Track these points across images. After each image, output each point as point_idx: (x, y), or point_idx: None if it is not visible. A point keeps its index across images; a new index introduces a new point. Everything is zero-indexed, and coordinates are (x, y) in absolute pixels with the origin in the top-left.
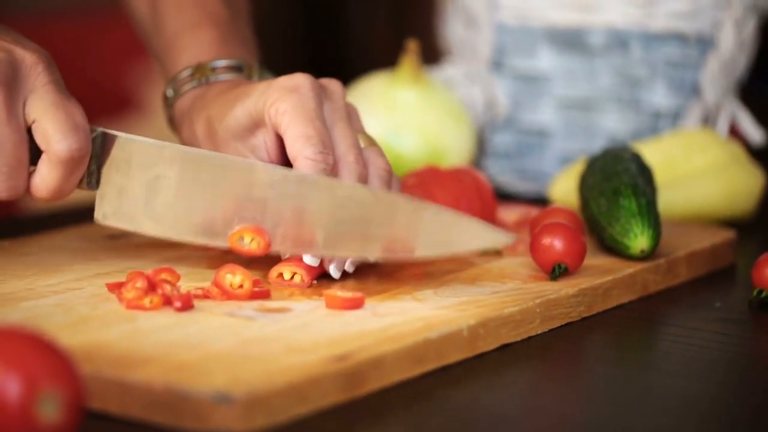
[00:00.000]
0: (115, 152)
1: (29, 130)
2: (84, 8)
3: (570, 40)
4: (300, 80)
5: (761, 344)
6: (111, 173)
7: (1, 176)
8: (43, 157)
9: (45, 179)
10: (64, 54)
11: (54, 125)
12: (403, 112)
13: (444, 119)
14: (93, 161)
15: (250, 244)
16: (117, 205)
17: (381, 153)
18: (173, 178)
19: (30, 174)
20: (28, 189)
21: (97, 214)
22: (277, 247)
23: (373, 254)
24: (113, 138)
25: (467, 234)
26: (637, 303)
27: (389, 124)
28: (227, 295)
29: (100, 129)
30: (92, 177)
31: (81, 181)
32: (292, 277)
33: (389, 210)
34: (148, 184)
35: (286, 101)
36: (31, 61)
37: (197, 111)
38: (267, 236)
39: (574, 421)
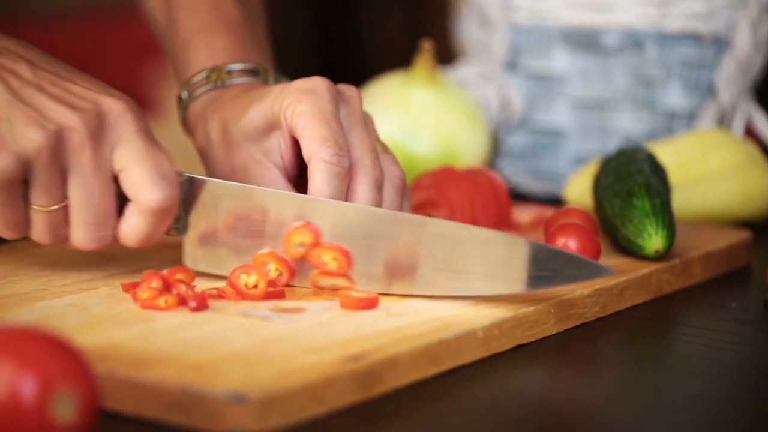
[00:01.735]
0: (203, 197)
1: (116, 179)
2: (97, 9)
3: (585, 41)
4: (317, 83)
5: None
6: (199, 218)
7: (89, 227)
8: (132, 206)
9: (134, 228)
10: (77, 55)
11: (142, 175)
12: (417, 113)
13: (459, 120)
14: (181, 207)
15: (303, 243)
16: (206, 250)
17: (395, 161)
18: (261, 220)
19: (117, 223)
20: (116, 238)
21: (187, 260)
22: (363, 286)
23: (472, 290)
24: (201, 183)
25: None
26: (652, 303)
27: (404, 124)
28: (242, 295)
29: (187, 174)
30: (180, 223)
31: (169, 227)
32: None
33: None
34: (236, 226)
35: (302, 103)
36: (118, 111)
37: (212, 113)
38: (314, 227)
39: (589, 421)
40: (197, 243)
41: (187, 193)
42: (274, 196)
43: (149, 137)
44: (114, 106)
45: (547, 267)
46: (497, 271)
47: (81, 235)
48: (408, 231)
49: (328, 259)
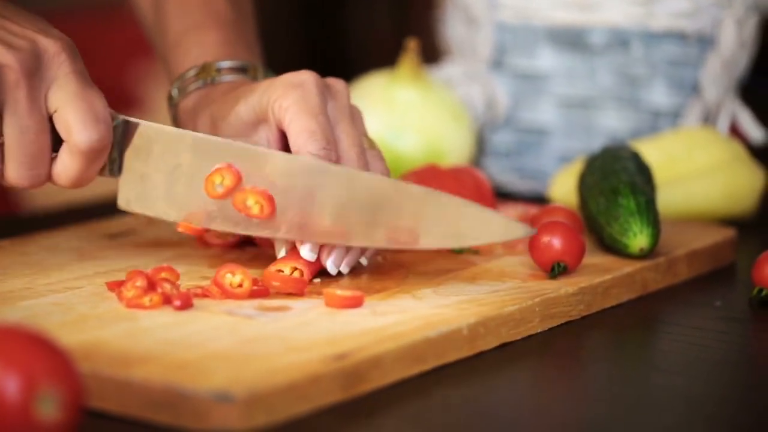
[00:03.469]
0: (137, 140)
1: (51, 119)
2: (87, 7)
3: (570, 39)
4: (305, 77)
5: (762, 343)
6: (133, 160)
7: (23, 165)
8: (64, 146)
9: (66, 168)
10: None
11: (75, 116)
12: (402, 112)
13: (444, 118)
14: (115, 149)
15: (224, 182)
16: (140, 191)
17: (381, 157)
18: (192, 165)
19: (52, 162)
20: (49, 177)
21: (120, 201)
22: (284, 234)
23: (379, 242)
24: (135, 125)
25: (484, 225)
26: (637, 302)
27: (389, 123)
28: (226, 294)
29: (122, 117)
30: (114, 164)
31: (103, 168)
32: (292, 273)
33: (400, 198)
34: (169, 171)
35: (290, 96)
36: (54, 50)
37: (201, 110)
38: (235, 169)
39: (574, 419)
40: (130, 184)
41: (122, 135)
42: (204, 140)
43: (84, 79)
44: (50, 46)
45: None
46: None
47: (15, 172)
48: (340, 183)
49: (252, 203)
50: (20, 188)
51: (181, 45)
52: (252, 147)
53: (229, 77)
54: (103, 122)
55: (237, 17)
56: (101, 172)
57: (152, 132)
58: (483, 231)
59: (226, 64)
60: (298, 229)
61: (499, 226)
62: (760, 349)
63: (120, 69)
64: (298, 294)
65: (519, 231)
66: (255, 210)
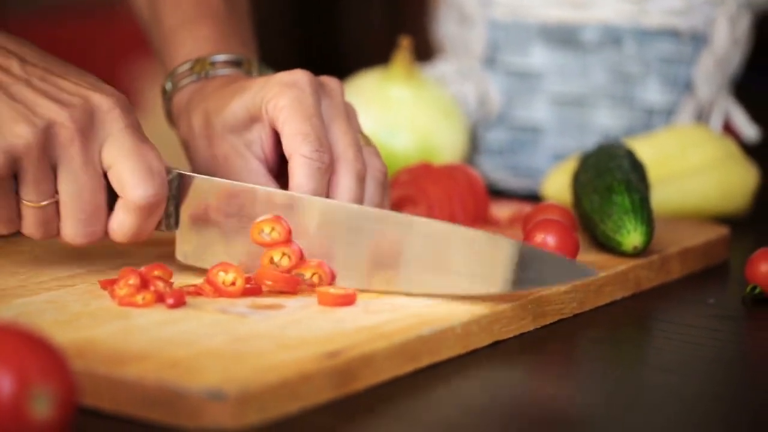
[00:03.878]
0: (192, 192)
1: (106, 176)
2: (80, 5)
3: (563, 37)
4: (299, 76)
5: (755, 340)
6: (189, 212)
7: (79, 223)
8: (120, 202)
9: (123, 224)
10: (60, 51)
11: (130, 172)
12: (396, 109)
13: (437, 116)
14: (170, 202)
15: (271, 234)
16: (197, 244)
17: (377, 154)
18: (252, 216)
19: (107, 218)
20: (106, 233)
21: (178, 255)
22: (345, 283)
23: (454, 289)
24: (190, 179)
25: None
26: (630, 299)
27: (382, 121)
28: (219, 292)
29: (176, 170)
30: (170, 218)
31: (160, 222)
32: (312, 276)
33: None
34: (226, 223)
35: (284, 97)
36: (107, 106)
37: (195, 105)
38: (285, 223)
39: (567, 417)
40: (188, 237)
41: (177, 188)
42: (258, 191)
43: (138, 133)
44: (103, 102)
45: (529, 267)
46: (480, 271)
47: (71, 230)
48: (392, 229)
49: (268, 230)
50: (77, 246)
51: (176, 38)
52: (302, 197)
53: (223, 71)
54: (159, 177)
55: (231, 11)
56: (158, 227)
57: (207, 185)
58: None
59: (220, 57)
60: (360, 277)
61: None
62: (754, 346)
63: (115, 67)
64: (291, 292)
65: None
66: (274, 236)
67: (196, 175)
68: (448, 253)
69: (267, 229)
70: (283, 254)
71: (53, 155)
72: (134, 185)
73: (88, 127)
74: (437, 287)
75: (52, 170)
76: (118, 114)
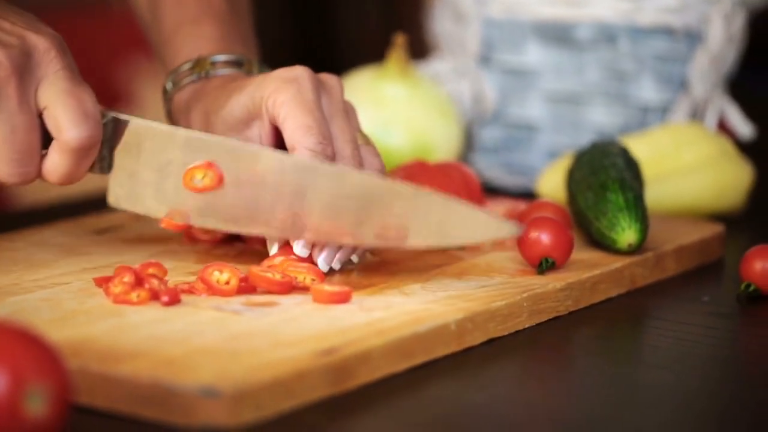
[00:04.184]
0: (127, 137)
1: (41, 116)
2: (78, 3)
3: (558, 35)
4: (299, 72)
5: (749, 338)
6: (123, 157)
7: (12, 162)
8: (54, 143)
9: (56, 165)
10: None
11: (64, 113)
12: (390, 107)
13: (432, 114)
14: (105, 146)
15: (203, 180)
16: (129, 188)
17: (376, 152)
18: (183, 162)
19: (42, 159)
20: (39, 174)
21: (110, 198)
22: (273, 232)
23: (368, 240)
24: (125, 123)
25: (474, 224)
26: (625, 297)
27: (377, 118)
28: (213, 291)
29: (112, 114)
30: (104, 161)
31: (93, 165)
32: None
33: (391, 197)
34: (160, 168)
35: (284, 92)
36: (44, 47)
37: (195, 104)
38: (218, 169)
39: (562, 414)
40: (120, 181)
41: (112, 132)
42: (195, 137)
43: (73, 75)
44: (40, 43)
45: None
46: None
47: (4, 169)
48: (331, 183)
49: (200, 177)
50: (9, 185)
51: (176, 38)
52: (243, 144)
53: (223, 71)
54: (93, 119)
55: (232, 11)
56: (91, 169)
57: (142, 129)
58: (471, 230)
59: (220, 57)
60: (288, 227)
61: (487, 224)
62: (749, 344)
63: (111, 65)
64: (284, 294)
65: (507, 230)
66: (206, 182)
67: (131, 117)
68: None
69: (199, 176)
70: (204, 175)
71: None
72: (69, 127)
73: (24, 68)
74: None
75: None
76: (54, 55)
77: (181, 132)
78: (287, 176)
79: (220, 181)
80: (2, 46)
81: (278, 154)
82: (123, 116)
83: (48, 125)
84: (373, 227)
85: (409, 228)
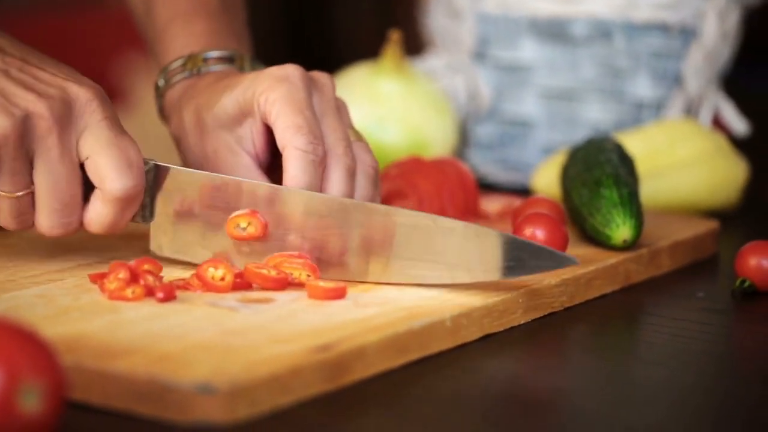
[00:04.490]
0: (168, 184)
1: (82, 166)
2: (73, 0)
3: (553, 31)
4: (290, 70)
5: (744, 334)
6: (165, 205)
7: (55, 213)
8: (97, 193)
9: (99, 215)
10: (49, 46)
11: (108, 163)
12: (385, 103)
13: (426, 110)
14: (146, 194)
15: (247, 229)
16: (172, 236)
17: (368, 149)
18: (227, 209)
19: (83, 209)
20: (81, 224)
21: (153, 246)
22: (328, 275)
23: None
24: (166, 170)
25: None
26: (620, 293)
27: (372, 114)
28: (208, 287)
29: (153, 162)
30: (146, 210)
31: (135, 214)
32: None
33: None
34: (204, 216)
35: (276, 91)
36: (85, 98)
37: (187, 101)
38: (262, 218)
39: (557, 411)
40: (163, 229)
41: (153, 180)
42: (243, 184)
43: (115, 125)
44: (81, 94)
45: (514, 257)
46: (466, 262)
47: (47, 221)
48: (378, 220)
49: (244, 225)
50: (52, 237)
51: (169, 34)
52: (284, 188)
53: (215, 67)
54: (137, 169)
55: (225, 7)
56: (133, 218)
57: (183, 176)
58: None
59: (212, 54)
60: (336, 269)
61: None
62: (743, 340)
63: (106, 61)
64: (279, 290)
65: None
66: (250, 231)
67: (171, 165)
68: (435, 244)
69: (243, 224)
70: (249, 223)
71: (30, 146)
72: (113, 177)
73: (65, 119)
74: (425, 278)
75: (28, 161)
76: (96, 106)
77: (221, 178)
78: (339, 216)
79: (264, 229)
80: (44, 97)
81: (326, 197)
82: (163, 164)
83: (90, 176)
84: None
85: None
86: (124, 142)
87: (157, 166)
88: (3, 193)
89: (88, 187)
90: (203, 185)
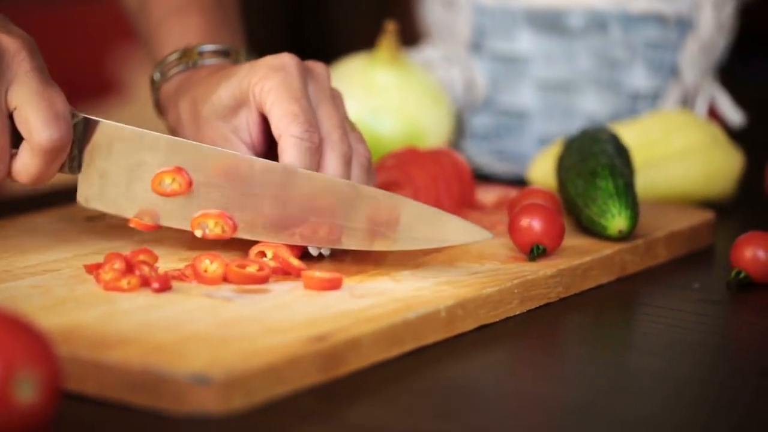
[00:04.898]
0: (97, 137)
1: (11, 117)
2: None
3: (549, 22)
4: (286, 59)
5: (739, 325)
6: (93, 157)
7: None
8: (24, 144)
9: (26, 166)
10: (44, 38)
11: (35, 114)
12: (381, 94)
13: (423, 101)
14: (75, 146)
15: (171, 185)
16: (99, 188)
17: (362, 139)
18: (154, 164)
19: (12, 158)
20: (9, 173)
21: (79, 197)
22: (253, 236)
23: (352, 245)
24: (95, 123)
25: (448, 229)
26: (616, 284)
27: (368, 105)
28: (201, 279)
29: (82, 115)
30: (74, 161)
31: (63, 165)
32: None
33: (369, 202)
34: (130, 169)
35: (271, 79)
36: (14, 48)
37: (182, 93)
38: (186, 175)
39: (552, 400)
40: (90, 181)
41: (82, 132)
42: (166, 141)
43: (44, 76)
44: (10, 44)
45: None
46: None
47: None
48: (298, 184)
49: (212, 225)
50: None
51: (164, 28)
52: (218, 149)
53: (211, 61)
54: (63, 120)
55: (219, 1)
56: (61, 169)
57: (112, 130)
58: (448, 234)
59: (208, 47)
60: (267, 231)
61: (461, 229)
62: (739, 331)
63: (100, 53)
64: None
65: (480, 235)
66: (217, 231)
67: (101, 119)
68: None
69: (168, 180)
70: (173, 180)
71: None
72: (39, 128)
73: None
74: (431, 242)
75: None
76: (24, 56)
77: (150, 134)
78: (263, 180)
79: (189, 185)
80: None
81: (249, 158)
82: (93, 117)
83: (18, 126)
84: (358, 231)
85: (392, 232)
86: (51, 94)
87: (86, 118)
88: None
89: (17, 138)
90: (131, 139)
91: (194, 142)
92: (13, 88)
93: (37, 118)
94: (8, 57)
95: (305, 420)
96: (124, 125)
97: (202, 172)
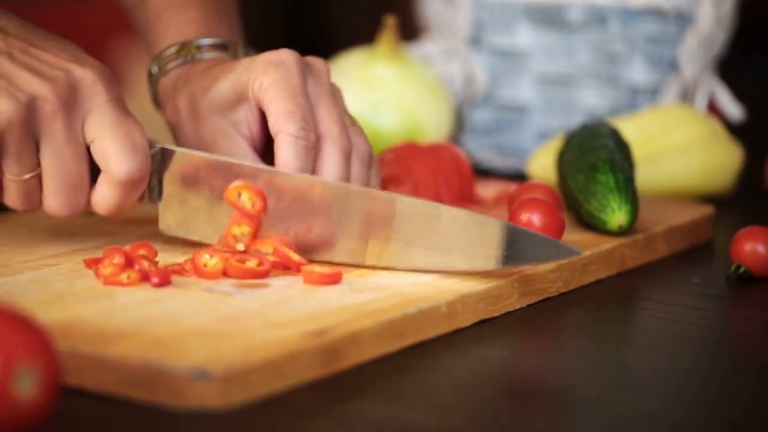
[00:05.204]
0: (174, 166)
1: (89, 149)
2: None
3: (548, 16)
4: (285, 55)
5: (739, 319)
6: (172, 186)
7: (61, 195)
8: (103, 175)
9: (105, 198)
10: (46, 30)
11: (113, 146)
12: (381, 88)
13: (422, 95)
14: (154, 176)
15: (246, 202)
16: (180, 216)
17: (363, 134)
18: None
19: (90, 190)
20: (88, 205)
21: (162, 225)
22: (311, 255)
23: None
24: (172, 152)
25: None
26: (615, 278)
27: (367, 100)
28: (201, 274)
29: (159, 145)
30: (153, 191)
31: (142, 195)
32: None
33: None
34: (210, 196)
35: (270, 76)
36: (90, 80)
37: (181, 87)
38: (265, 199)
39: (553, 395)
40: (171, 209)
41: (160, 162)
42: (246, 168)
43: (121, 107)
44: (85, 75)
45: (514, 246)
46: (465, 249)
47: (54, 202)
48: (379, 206)
49: (245, 198)
50: (59, 218)
51: (161, 22)
52: (294, 174)
53: (209, 54)
54: (141, 151)
55: None
56: (140, 199)
57: (189, 158)
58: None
59: (206, 41)
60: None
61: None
62: (739, 326)
63: (100, 47)
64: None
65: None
66: (247, 205)
67: (177, 148)
68: (435, 231)
69: (245, 196)
70: (250, 198)
71: (35, 129)
72: (118, 160)
73: (70, 101)
74: (426, 264)
75: (34, 144)
76: (101, 87)
77: (223, 160)
78: (344, 202)
79: (263, 209)
80: (48, 79)
81: (332, 183)
82: (169, 147)
83: (96, 158)
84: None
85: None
86: (128, 125)
87: (163, 148)
88: (10, 176)
89: (95, 168)
90: (205, 165)
91: (271, 168)
92: (90, 120)
93: (115, 149)
94: (85, 88)
95: (305, 415)
96: (200, 152)
97: (273, 196)
